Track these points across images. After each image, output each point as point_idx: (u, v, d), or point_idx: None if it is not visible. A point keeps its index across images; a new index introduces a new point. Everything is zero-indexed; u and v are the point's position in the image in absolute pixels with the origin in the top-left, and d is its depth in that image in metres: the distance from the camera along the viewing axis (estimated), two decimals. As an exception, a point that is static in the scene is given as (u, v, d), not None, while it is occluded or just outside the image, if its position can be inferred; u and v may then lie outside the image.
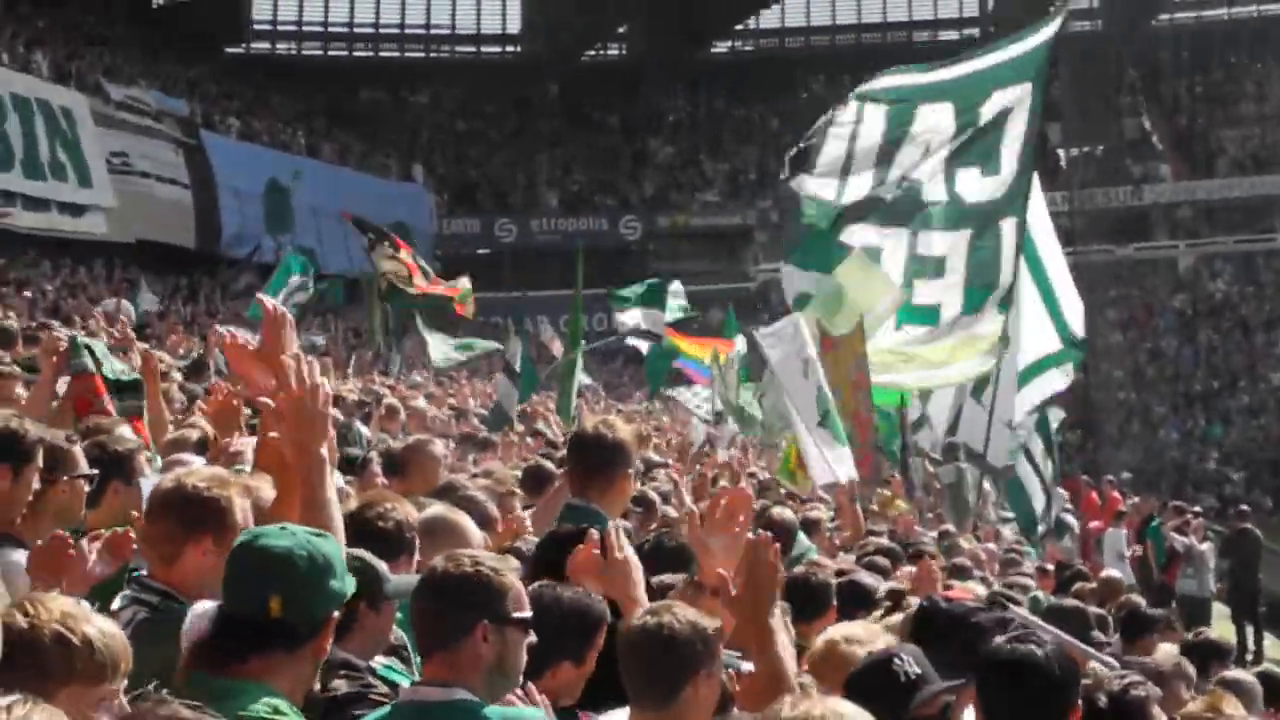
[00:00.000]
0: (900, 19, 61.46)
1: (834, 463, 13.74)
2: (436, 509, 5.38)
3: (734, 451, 18.22)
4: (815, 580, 6.90)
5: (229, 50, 54.11)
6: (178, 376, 13.06)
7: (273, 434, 4.28)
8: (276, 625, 3.54)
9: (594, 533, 4.90)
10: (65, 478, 5.09)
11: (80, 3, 44.96)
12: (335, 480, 4.76)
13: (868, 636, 4.94)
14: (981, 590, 9.18)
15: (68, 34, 40.67)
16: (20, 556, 4.63)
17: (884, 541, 10.85)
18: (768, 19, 61.58)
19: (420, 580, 4.00)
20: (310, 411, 4.18)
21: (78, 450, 5.28)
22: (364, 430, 13.07)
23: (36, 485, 4.91)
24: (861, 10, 61.32)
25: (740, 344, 23.16)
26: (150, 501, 4.47)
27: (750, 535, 4.83)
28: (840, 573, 7.69)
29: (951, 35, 59.87)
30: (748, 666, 4.53)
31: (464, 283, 22.35)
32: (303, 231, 41.41)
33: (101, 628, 3.32)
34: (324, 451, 4.21)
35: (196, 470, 4.76)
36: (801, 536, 9.24)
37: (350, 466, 7.75)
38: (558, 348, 26.00)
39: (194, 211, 39.94)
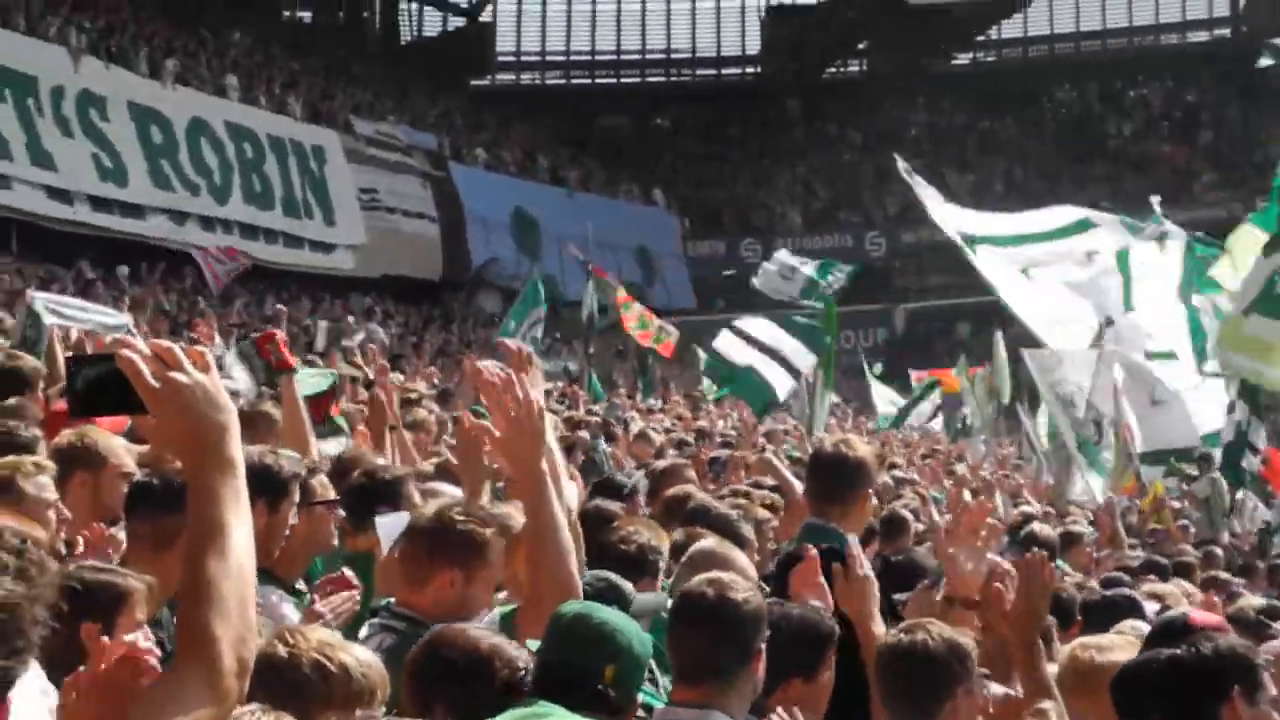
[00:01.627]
0: (1147, 22, 59.88)
1: (1091, 482, 13.62)
2: (708, 543, 5.29)
3: (987, 465, 18.02)
4: (1063, 596, 6.80)
5: (474, 83, 55.21)
6: (432, 405, 13.35)
7: (487, 448, 4.35)
8: (602, 695, 3.65)
9: (813, 550, 4.89)
10: (308, 506, 5.19)
11: (331, 43, 46.44)
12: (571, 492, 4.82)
13: (1115, 645, 4.83)
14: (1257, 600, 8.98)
15: (320, 75, 41.92)
16: (277, 593, 4.75)
17: (1146, 555, 10.65)
18: (1009, 28, 60.60)
19: (689, 605, 4.03)
20: (526, 428, 4.22)
21: (319, 480, 5.40)
22: (607, 449, 13.19)
23: (294, 520, 4.97)
24: (1106, 15, 59.90)
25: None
26: (410, 528, 4.58)
27: (1004, 555, 4.78)
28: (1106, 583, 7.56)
29: (1201, 36, 58.25)
30: (999, 690, 4.46)
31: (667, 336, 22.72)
32: (548, 259, 41.96)
33: (358, 656, 3.40)
34: (544, 467, 4.25)
35: (457, 503, 4.86)
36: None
37: (619, 494, 7.80)
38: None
39: (441, 244, 40.72)
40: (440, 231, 40.75)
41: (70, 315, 10.88)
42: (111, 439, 5.53)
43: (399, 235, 39.15)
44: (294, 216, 35.46)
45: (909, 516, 9.03)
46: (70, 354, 6.80)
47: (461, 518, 4.43)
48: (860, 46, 60.58)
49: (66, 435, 5.61)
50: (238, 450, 2.63)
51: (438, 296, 40.43)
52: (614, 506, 6.66)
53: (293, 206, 35.41)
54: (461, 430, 6.34)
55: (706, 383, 23.24)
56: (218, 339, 14.88)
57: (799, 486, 8.48)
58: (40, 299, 10.85)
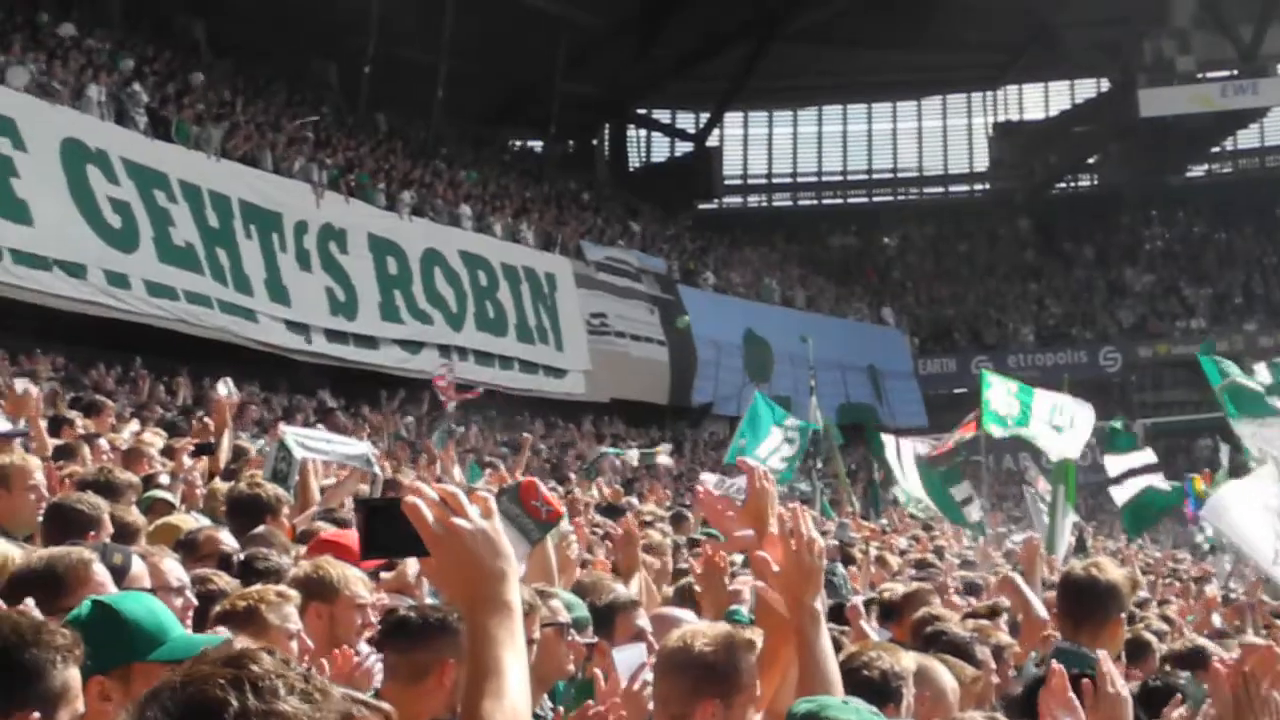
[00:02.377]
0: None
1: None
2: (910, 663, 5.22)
3: (1235, 586, 17.37)
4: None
5: (702, 206, 55.81)
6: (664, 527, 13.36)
7: (759, 583, 4.29)
8: None
9: (1060, 668, 4.76)
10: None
11: (562, 172, 47.42)
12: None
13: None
14: None
15: (551, 202, 42.76)
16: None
17: None
18: (1245, 138, 59.36)
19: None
20: (806, 565, 4.18)
21: (552, 604, 5.42)
22: (844, 573, 13.03)
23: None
24: (1349, 120, 58.41)
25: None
26: (659, 660, 4.55)
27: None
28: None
29: None
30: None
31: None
32: (780, 379, 41.92)
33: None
34: (818, 604, 4.21)
35: (702, 630, 4.82)
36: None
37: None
38: (1043, 485, 25.39)
39: (669, 367, 40.96)
40: (669, 355, 41.02)
41: (317, 448, 11.18)
42: (348, 569, 5.60)
43: (627, 359, 39.50)
44: (527, 342, 36.08)
45: (1153, 639, 8.76)
46: (363, 499, 6.93)
47: (711, 646, 4.39)
48: (1091, 161, 59.88)
49: (303, 566, 5.70)
50: (515, 594, 2.73)
51: (667, 419, 40.65)
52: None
53: (526, 333, 36.04)
54: (705, 557, 6.33)
55: (903, 495, 23.03)
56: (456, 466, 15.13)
57: (1039, 607, 8.36)
58: (291, 433, 11.17)
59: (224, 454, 11.75)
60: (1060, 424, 18.75)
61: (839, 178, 60.91)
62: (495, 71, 43.28)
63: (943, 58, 52.70)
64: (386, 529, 2.70)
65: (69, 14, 31.98)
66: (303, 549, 7.46)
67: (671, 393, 41.15)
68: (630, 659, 4.94)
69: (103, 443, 10.89)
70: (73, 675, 3.13)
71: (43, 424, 11.94)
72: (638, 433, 37.48)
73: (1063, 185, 60.49)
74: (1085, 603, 5.70)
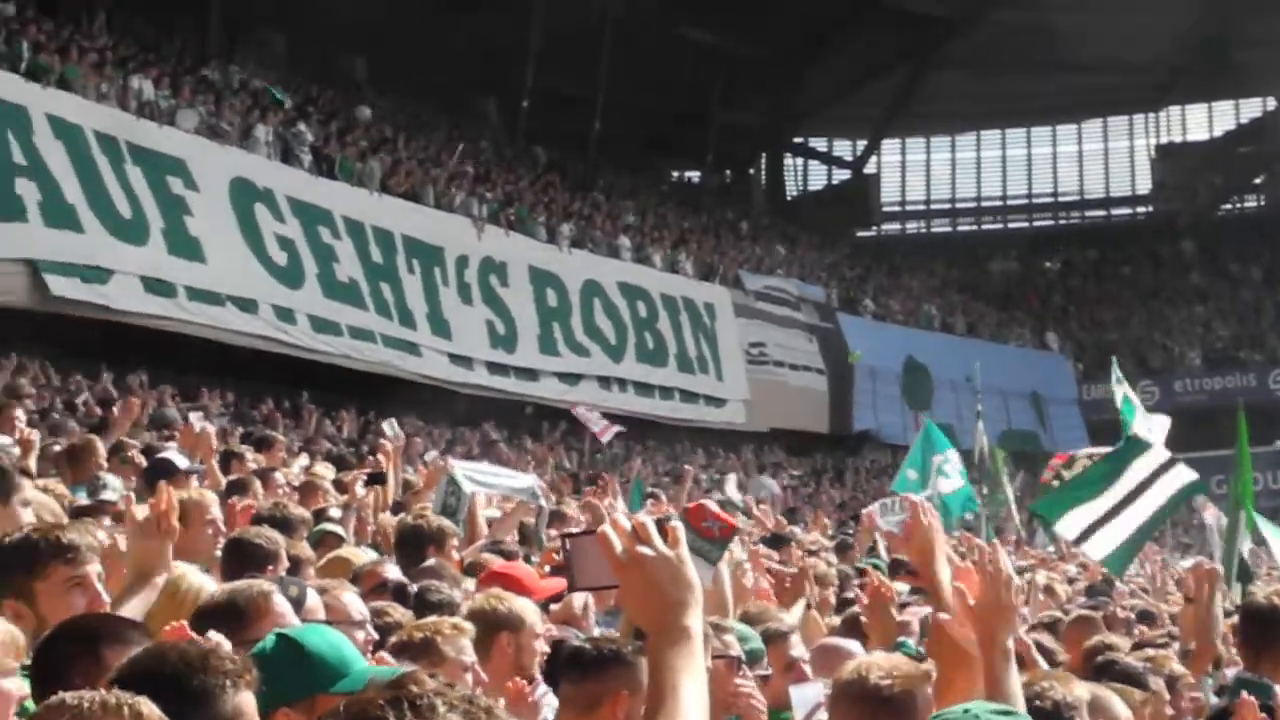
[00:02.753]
0: None
1: None
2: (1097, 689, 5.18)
3: None
4: None
5: (860, 234, 55.54)
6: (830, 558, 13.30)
7: (943, 616, 4.25)
8: None
9: (1251, 699, 4.67)
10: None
11: (719, 202, 47.50)
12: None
13: None
14: None
15: (710, 232, 42.82)
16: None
17: None
18: None
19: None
20: (1002, 601, 4.13)
21: (724, 639, 5.43)
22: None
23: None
24: None
25: None
26: (834, 691, 4.54)
27: None
28: None
29: None
30: None
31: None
32: (941, 406, 41.49)
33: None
34: (1010, 643, 4.15)
35: (878, 662, 4.79)
36: None
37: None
38: (1211, 513, 24.88)
39: (828, 396, 40.77)
40: (827, 384, 40.83)
41: (485, 481, 11.34)
42: (526, 602, 5.68)
43: (786, 389, 39.37)
44: (687, 372, 36.14)
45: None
46: (566, 531, 7.02)
47: (887, 680, 4.36)
48: (1257, 181, 58.63)
49: (485, 598, 5.78)
50: (697, 623, 2.81)
51: (827, 448, 40.44)
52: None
53: (686, 363, 36.11)
54: (872, 587, 6.32)
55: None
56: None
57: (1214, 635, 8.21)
58: (460, 468, 11.34)
59: (392, 489, 11.95)
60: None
61: (999, 202, 60.22)
62: (652, 103, 43.53)
63: (1102, 80, 51.90)
64: (589, 560, 2.80)
65: (235, 56, 32.75)
66: (472, 582, 7.55)
67: (831, 421, 40.93)
68: (808, 696, 4.94)
69: (278, 477, 11.11)
70: (245, 700, 3.19)
71: (214, 459, 12.24)
72: (798, 461, 37.38)
73: (1228, 206, 59.25)
74: (1267, 632, 5.59)
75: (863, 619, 7.03)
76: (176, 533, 5.09)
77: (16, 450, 9.52)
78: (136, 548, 5.04)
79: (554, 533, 11.96)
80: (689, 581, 2.79)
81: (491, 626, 5.42)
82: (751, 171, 55.20)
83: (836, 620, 8.97)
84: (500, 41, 38.66)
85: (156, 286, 24.86)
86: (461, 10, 38.08)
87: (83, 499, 8.30)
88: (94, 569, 4.60)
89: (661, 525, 2.82)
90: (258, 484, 10.60)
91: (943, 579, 4.38)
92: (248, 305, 26.50)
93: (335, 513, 9.98)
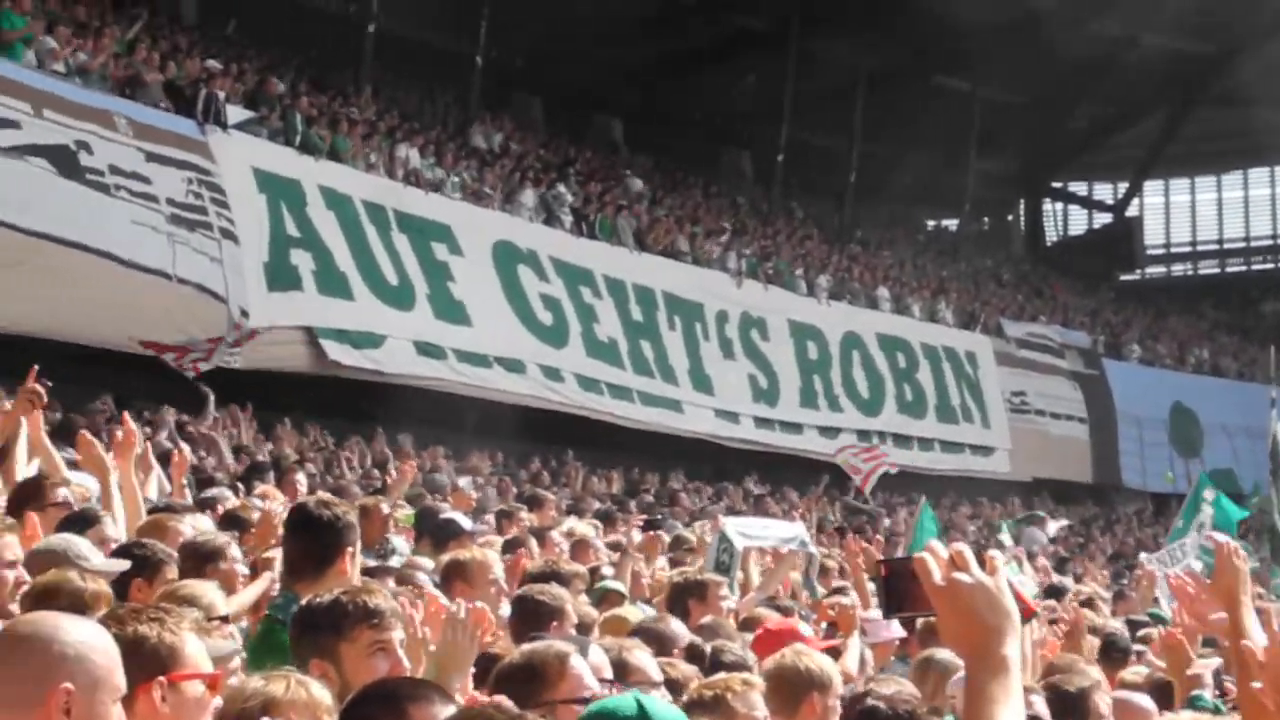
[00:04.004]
0: None
1: None
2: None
3: None
4: None
5: (1124, 278, 54.29)
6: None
7: (1255, 684, 4.10)
8: None
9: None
10: None
11: (978, 249, 46.94)
12: None
13: None
14: None
15: (969, 280, 42.34)
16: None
17: None
18: None
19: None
20: None
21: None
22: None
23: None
24: None
25: None
26: None
27: None
28: None
29: None
30: None
31: None
32: (1213, 452, 40.26)
33: None
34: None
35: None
36: None
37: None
38: None
39: (1090, 445, 39.82)
40: (1089, 432, 39.90)
41: (755, 534, 11.37)
42: (828, 660, 5.66)
43: (1047, 438, 38.59)
44: (949, 422, 35.70)
45: None
46: (884, 558, 7.00)
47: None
48: None
49: (795, 656, 5.73)
50: (1015, 652, 2.78)
51: (1092, 496, 39.46)
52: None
53: (947, 413, 35.68)
54: (1164, 639, 6.17)
55: None
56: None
57: None
58: (731, 524, 11.41)
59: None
60: None
61: (1269, 241, 58.30)
62: (907, 152, 43.25)
63: (1378, 111, 50.03)
64: (905, 588, 2.82)
65: (495, 121, 33.52)
66: (749, 636, 7.56)
67: (1095, 470, 39.97)
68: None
69: (555, 535, 11.28)
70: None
71: (490, 518, 12.49)
72: (1064, 510, 36.57)
73: None
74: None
75: (1154, 672, 6.86)
76: (482, 640, 5.12)
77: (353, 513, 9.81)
78: (447, 644, 5.06)
79: (820, 587, 11.93)
80: (1006, 610, 2.77)
81: (802, 686, 5.42)
82: (1010, 218, 54.43)
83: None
84: (754, 97, 38.88)
85: (427, 349, 25.51)
86: (715, 68, 38.44)
87: (370, 561, 8.53)
88: (397, 635, 4.71)
89: (980, 554, 2.83)
90: (533, 542, 10.77)
91: (1247, 624, 4.25)
92: (515, 366, 26.99)
93: (608, 570, 10.09)
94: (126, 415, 9.71)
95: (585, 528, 13.99)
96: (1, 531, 4.95)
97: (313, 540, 5.73)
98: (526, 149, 32.89)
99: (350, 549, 5.74)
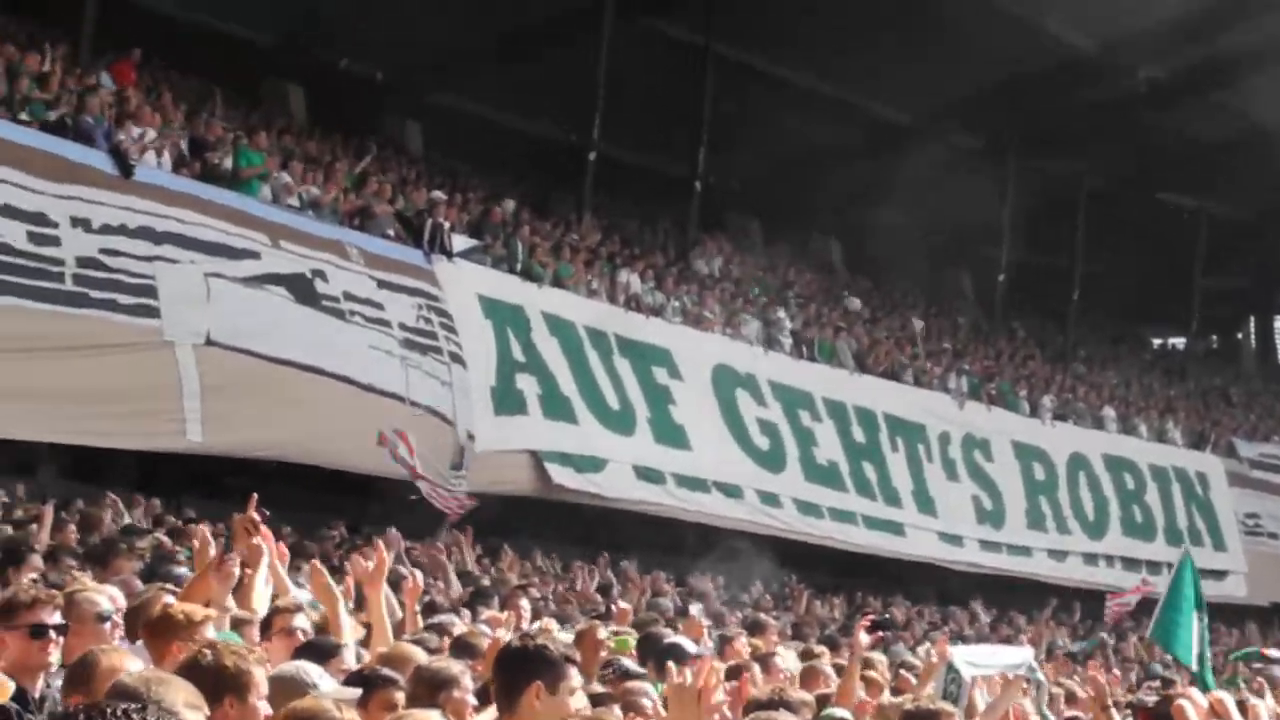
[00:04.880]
0: None
1: None
2: None
3: None
4: None
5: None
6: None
7: None
8: None
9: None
10: None
11: (1207, 368, 45.83)
12: None
13: None
14: None
15: (1198, 400, 41.37)
16: None
17: None
18: None
19: None
20: None
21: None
22: None
23: None
24: None
25: None
26: None
27: None
28: None
29: None
30: None
31: None
32: None
33: None
34: None
35: None
36: None
37: None
38: None
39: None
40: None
41: (983, 663, 11.16)
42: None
43: (1280, 560, 37.37)
44: (1178, 545, 34.71)
45: None
46: (1138, 703, 6.86)
47: None
48: None
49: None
50: None
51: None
52: None
53: (1176, 535, 34.67)
54: None
55: None
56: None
57: None
58: (959, 653, 11.22)
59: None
60: None
61: None
62: (1131, 270, 42.58)
63: None
64: None
65: (715, 245, 33.82)
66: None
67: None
68: None
69: (778, 661, 11.18)
70: None
71: (710, 643, 12.44)
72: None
73: None
74: None
75: None
76: None
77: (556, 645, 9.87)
78: None
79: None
80: None
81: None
82: (1240, 336, 53.06)
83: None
84: (974, 217, 38.67)
85: (647, 474, 25.66)
86: (932, 189, 38.37)
87: (598, 687, 8.53)
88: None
89: (1242, 704, 2.80)
90: (756, 668, 10.68)
91: None
92: (732, 491, 27.00)
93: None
94: (380, 543, 9.89)
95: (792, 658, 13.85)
96: (251, 664, 5.09)
97: (515, 671, 5.68)
98: (745, 272, 33.09)
99: (548, 681, 5.65)
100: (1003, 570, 31.14)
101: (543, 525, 23.97)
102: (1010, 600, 30.08)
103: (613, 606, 14.71)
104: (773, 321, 30.01)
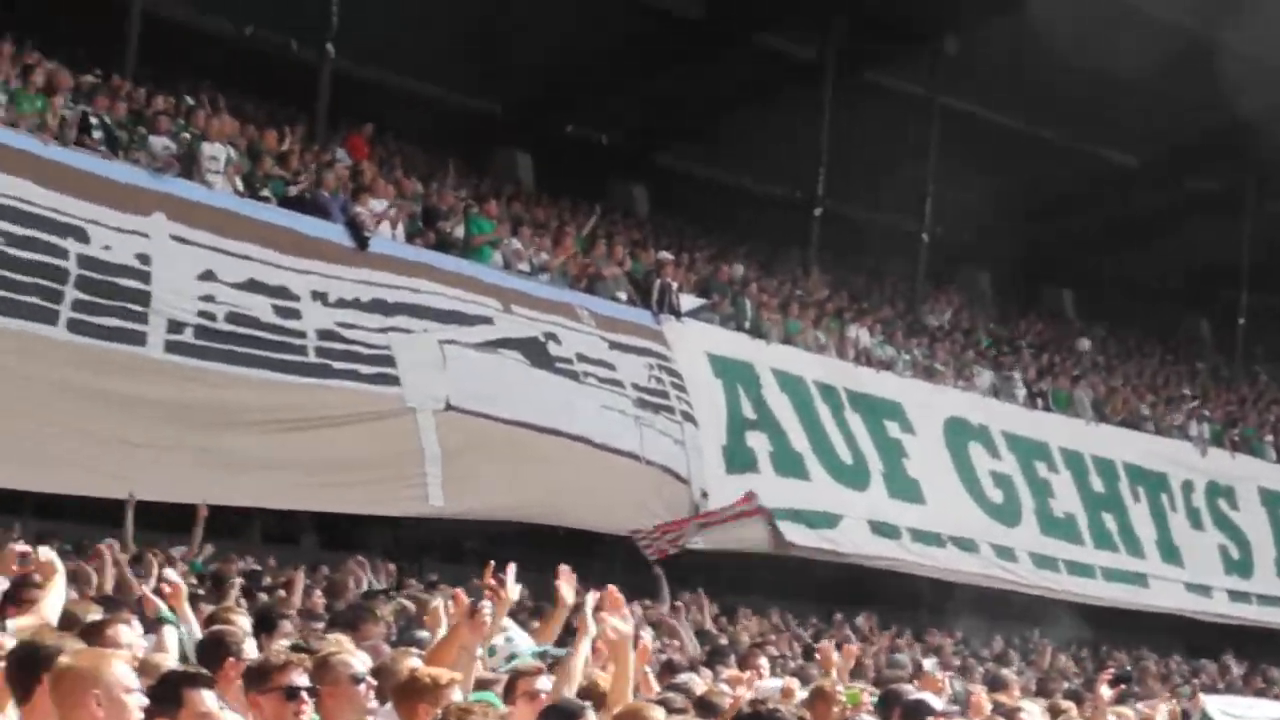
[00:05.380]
0: None
1: None
2: None
3: None
4: None
5: None
6: None
7: None
8: None
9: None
10: None
11: None
12: None
13: None
14: None
15: None
16: None
17: None
18: None
19: None
20: None
21: None
22: None
23: None
24: None
25: None
26: None
27: None
28: None
29: None
30: None
31: None
32: None
33: None
34: None
35: None
36: None
37: None
38: None
39: None
40: None
41: (1241, 713, 10.93)
42: None
43: None
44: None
45: None
46: None
47: None
48: None
49: None
50: None
51: None
52: None
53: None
54: None
55: None
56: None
57: None
58: (1213, 702, 11.02)
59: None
60: None
61: None
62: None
63: None
64: None
65: (945, 298, 33.58)
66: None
67: None
68: None
69: (1024, 717, 11.02)
70: None
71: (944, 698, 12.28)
72: None
73: None
74: None
75: None
76: None
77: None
78: None
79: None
80: None
81: None
82: None
83: None
84: (1209, 260, 37.80)
85: (881, 528, 25.48)
86: (1166, 234, 37.66)
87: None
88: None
89: None
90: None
91: None
92: (967, 545, 26.67)
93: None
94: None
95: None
96: None
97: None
98: (976, 323, 32.76)
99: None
100: (1253, 621, 30.22)
101: (779, 582, 23.92)
102: (1261, 652, 29.13)
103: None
104: (1005, 372, 29.65)
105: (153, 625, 7.99)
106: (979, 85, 32.52)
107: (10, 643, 5.79)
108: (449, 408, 20.39)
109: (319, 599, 14.83)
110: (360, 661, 6.76)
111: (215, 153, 20.13)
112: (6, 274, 17.22)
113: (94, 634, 6.31)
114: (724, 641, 16.64)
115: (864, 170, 32.25)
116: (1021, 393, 29.46)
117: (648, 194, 33.43)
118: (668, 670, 12.15)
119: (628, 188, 33.24)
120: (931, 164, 32.56)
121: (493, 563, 8.33)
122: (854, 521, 25.12)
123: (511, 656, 8.67)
